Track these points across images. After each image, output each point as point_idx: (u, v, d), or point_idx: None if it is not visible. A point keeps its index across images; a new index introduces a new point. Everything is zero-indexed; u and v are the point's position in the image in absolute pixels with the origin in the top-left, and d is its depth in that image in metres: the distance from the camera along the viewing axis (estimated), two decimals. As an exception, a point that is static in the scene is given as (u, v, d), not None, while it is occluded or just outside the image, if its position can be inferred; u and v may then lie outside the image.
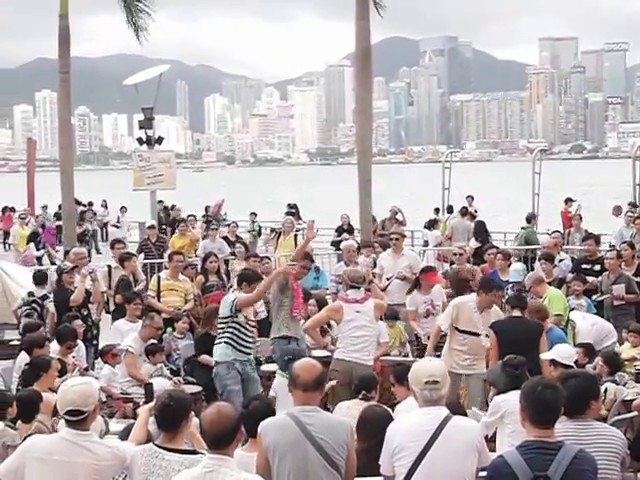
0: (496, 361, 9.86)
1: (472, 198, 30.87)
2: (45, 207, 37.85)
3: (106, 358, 12.49)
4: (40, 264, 20.62)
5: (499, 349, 10.35)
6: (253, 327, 11.86)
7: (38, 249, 28.72)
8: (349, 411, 8.59)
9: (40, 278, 15.56)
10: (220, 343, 11.54)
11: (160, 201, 33.81)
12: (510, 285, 14.43)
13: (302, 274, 13.11)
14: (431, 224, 28.07)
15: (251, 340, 11.68)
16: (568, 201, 28.37)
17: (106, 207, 40.08)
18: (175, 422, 6.39)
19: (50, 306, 14.71)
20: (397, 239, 15.77)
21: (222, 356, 11.48)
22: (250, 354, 11.68)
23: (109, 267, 16.44)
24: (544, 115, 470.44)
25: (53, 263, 24.53)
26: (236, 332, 11.45)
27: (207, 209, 34.76)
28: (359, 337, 11.41)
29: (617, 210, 26.33)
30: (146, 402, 7.86)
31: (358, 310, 11.51)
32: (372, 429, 7.22)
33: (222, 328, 11.60)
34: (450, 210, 31.09)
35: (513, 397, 7.84)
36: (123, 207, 33.52)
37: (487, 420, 8.19)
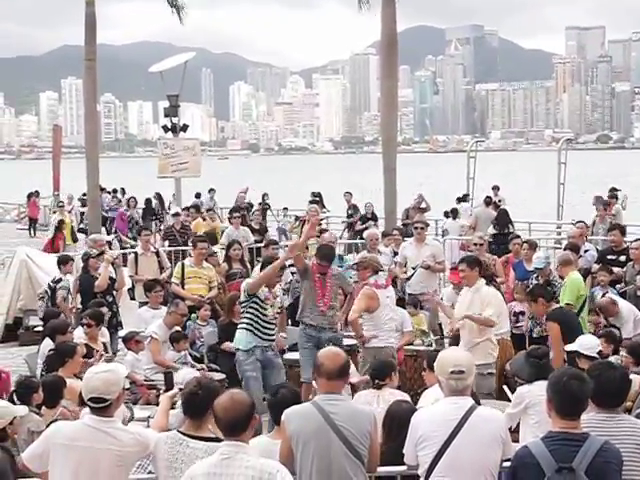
0: (560, 350, 9.81)
1: (498, 188, 30.76)
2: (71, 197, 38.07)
3: (129, 345, 12.54)
4: (110, 248, 20.54)
5: (564, 338, 10.21)
6: (276, 313, 11.84)
7: (109, 233, 28.72)
8: (366, 398, 8.61)
9: (62, 260, 15.64)
10: (241, 329, 11.58)
11: (157, 193, 34.03)
12: (534, 275, 14.34)
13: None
14: (453, 213, 27.92)
15: (271, 324, 11.62)
16: (613, 191, 27.05)
17: (124, 194, 39.88)
18: (202, 410, 6.42)
19: (61, 291, 14.80)
20: (422, 228, 15.75)
21: (242, 343, 11.48)
22: (271, 339, 11.64)
23: (136, 254, 16.53)
24: (570, 105, 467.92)
25: (123, 248, 24.41)
26: (254, 316, 11.44)
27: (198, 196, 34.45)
28: (391, 322, 11.53)
29: (598, 200, 26.22)
30: (166, 390, 7.86)
31: (388, 295, 11.60)
32: (398, 427, 7.19)
33: (242, 313, 11.68)
34: (464, 199, 30.95)
35: (537, 388, 7.83)
36: (174, 194, 33.27)
37: (511, 412, 8.15)
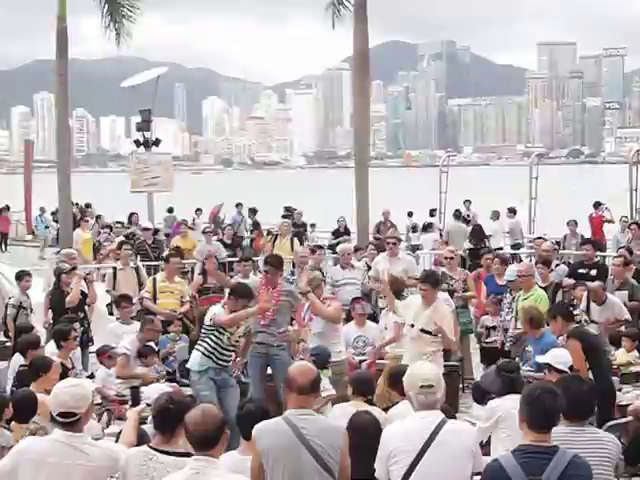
0: (585, 368, 9.80)
1: (469, 202, 30.86)
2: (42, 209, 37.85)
3: (102, 358, 12.48)
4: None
5: (587, 356, 10.19)
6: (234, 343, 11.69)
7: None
8: (343, 411, 8.53)
9: (17, 276, 15.50)
10: (198, 350, 11.42)
11: (76, 203, 33.92)
12: (508, 289, 14.38)
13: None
14: (425, 227, 28.01)
15: (229, 350, 11.46)
16: (598, 205, 27.23)
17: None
18: (173, 424, 6.40)
19: (11, 310, 14.69)
20: (394, 243, 15.76)
21: (196, 365, 11.33)
22: (227, 364, 11.50)
23: (114, 269, 16.45)
24: (542, 120, 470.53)
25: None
26: (213, 343, 11.29)
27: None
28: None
29: (495, 214, 26.51)
30: (133, 405, 7.84)
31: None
32: (355, 433, 7.19)
33: (203, 336, 11.47)
34: (431, 214, 31.12)
35: (508, 402, 7.86)
36: (199, 209, 33.01)
37: (482, 426, 8.17)
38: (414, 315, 11.68)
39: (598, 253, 16.56)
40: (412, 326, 11.58)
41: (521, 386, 8.18)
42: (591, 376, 9.87)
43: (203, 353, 11.31)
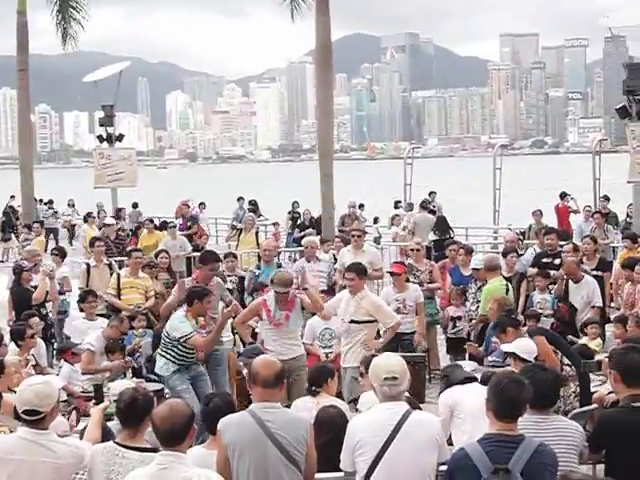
0: (556, 359, 9.87)
1: (435, 194, 30.92)
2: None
3: (65, 356, 12.42)
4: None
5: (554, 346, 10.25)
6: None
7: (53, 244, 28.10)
8: (305, 405, 8.58)
9: None
10: (163, 357, 11.25)
11: (10, 205, 33.79)
12: (473, 279, 14.46)
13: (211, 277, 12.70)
14: (391, 220, 28.03)
15: (193, 352, 11.24)
16: (564, 195, 27.33)
17: (73, 206, 39.53)
18: (138, 419, 6.40)
19: None
20: (358, 236, 15.74)
21: (165, 370, 11.19)
22: (193, 361, 11.33)
23: (87, 265, 16.35)
24: (505, 111, 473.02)
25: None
26: (182, 355, 11.15)
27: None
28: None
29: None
30: (97, 403, 7.79)
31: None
32: (324, 427, 7.21)
33: (167, 344, 11.22)
34: (411, 208, 31.15)
35: (458, 388, 7.93)
36: (202, 203, 32.76)
37: (441, 419, 8.19)
38: (344, 308, 11.82)
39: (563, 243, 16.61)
40: (343, 320, 11.79)
41: (485, 378, 8.26)
42: (568, 362, 10.01)
43: (172, 361, 11.17)
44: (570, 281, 13.92)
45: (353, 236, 15.90)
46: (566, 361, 10.13)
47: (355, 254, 15.32)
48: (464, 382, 8.17)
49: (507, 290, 13.48)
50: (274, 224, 30.14)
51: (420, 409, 7.35)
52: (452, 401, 7.90)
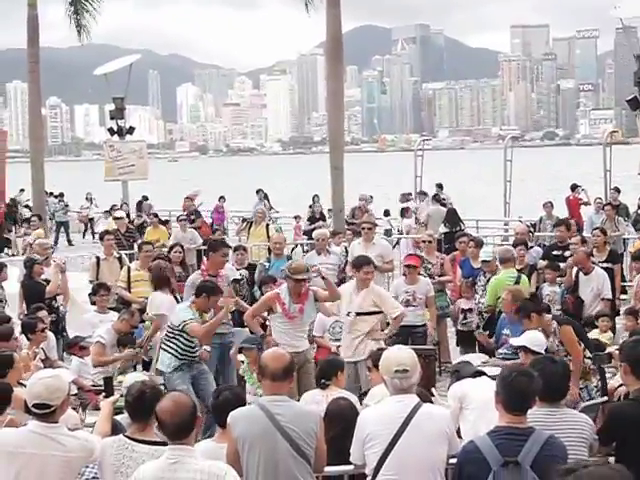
0: (581, 352, 9.84)
1: (441, 187, 30.63)
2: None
3: (73, 350, 12.47)
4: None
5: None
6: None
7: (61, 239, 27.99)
8: (314, 398, 8.61)
9: None
10: (166, 352, 11.29)
11: (12, 198, 33.73)
12: (482, 271, 14.43)
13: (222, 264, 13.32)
14: (402, 212, 27.93)
15: (195, 345, 11.33)
16: (575, 187, 27.31)
17: (91, 200, 39.12)
18: (147, 412, 6.38)
19: None
20: (369, 228, 15.71)
21: (167, 366, 11.23)
22: (195, 356, 11.39)
23: (97, 258, 16.37)
24: (516, 102, 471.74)
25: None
26: (183, 346, 11.19)
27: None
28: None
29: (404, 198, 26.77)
30: (106, 395, 7.80)
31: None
32: (334, 420, 7.22)
33: (169, 336, 11.31)
34: (407, 199, 31.08)
35: (468, 381, 7.93)
36: (222, 197, 32.66)
37: (450, 411, 8.20)
38: (348, 301, 11.84)
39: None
40: (348, 314, 11.79)
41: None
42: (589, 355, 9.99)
43: (174, 355, 11.20)
44: (580, 273, 13.88)
45: (363, 229, 15.89)
46: (588, 354, 10.09)
47: (366, 247, 15.32)
48: (474, 376, 8.18)
49: (517, 281, 13.46)
50: (295, 217, 30.11)
51: (432, 402, 7.38)
52: (461, 393, 7.92)
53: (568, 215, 25.45)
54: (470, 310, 14.42)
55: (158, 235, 22.17)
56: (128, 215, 25.14)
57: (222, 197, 32.63)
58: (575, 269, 14.11)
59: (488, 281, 13.93)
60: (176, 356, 11.19)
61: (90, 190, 40.07)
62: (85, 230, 37.02)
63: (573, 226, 17.57)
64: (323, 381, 8.88)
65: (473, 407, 7.64)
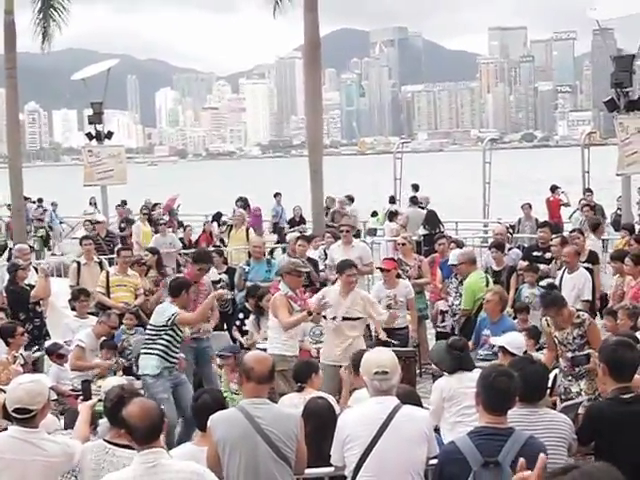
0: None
1: (416, 188, 30.44)
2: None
3: (52, 358, 12.44)
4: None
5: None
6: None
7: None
8: (291, 401, 8.60)
9: None
10: (151, 354, 11.11)
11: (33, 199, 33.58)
12: (453, 274, 14.46)
13: (200, 276, 13.01)
14: (391, 215, 27.72)
15: (179, 349, 11.32)
16: (555, 188, 27.23)
17: (95, 205, 36.73)
18: None
19: None
20: (347, 231, 15.74)
21: (151, 369, 11.06)
22: (177, 360, 11.34)
23: (78, 263, 16.33)
24: (495, 104, 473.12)
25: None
26: (169, 345, 11.08)
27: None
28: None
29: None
30: (84, 399, 7.77)
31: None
32: (310, 417, 7.23)
33: (153, 337, 11.16)
34: (392, 201, 31.07)
35: (454, 380, 7.97)
36: (240, 199, 32.24)
37: (432, 408, 8.23)
38: (334, 306, 11.73)
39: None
40: (334, 319, 11.70)
41: (470, 364, 8.31)
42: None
43: (158, 355, 11.07)
44: (565, 271, 13.87)
45: (342, 231, 15.93)
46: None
47: (345, 249, 15.35)
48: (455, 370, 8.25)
49: (487, 283, 13.54)
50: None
51: (420, 402, 7.41)
52: (446, 394, 7.99)
53: (548, 216, 25.55)
54: (447, 312, 14.50)
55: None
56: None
57: (239, 199, 31.79)
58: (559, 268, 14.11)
59: (460, 283, 13.99)
60: (162, 356, 11.06)
61: (69, 195, 39.97)
62: None
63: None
64: (299, 384, 8.89)
65: (457, 409, 7.68)
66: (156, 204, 30.60)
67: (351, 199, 31.03)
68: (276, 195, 31.35)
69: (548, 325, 9.99)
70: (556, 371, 9.92)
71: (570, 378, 9.79)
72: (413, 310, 14.01)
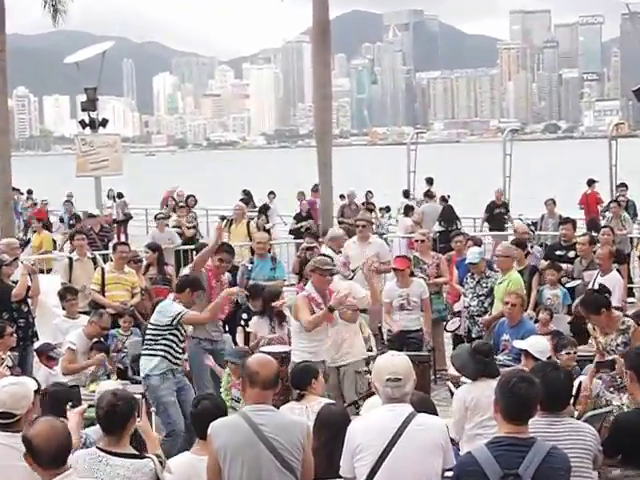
0: None
1: (431, 182, 30.31)
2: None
3: (42, 359, 12.43)
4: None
5: None
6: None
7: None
8: (292, 412, 8.37)
9: None
10: (154, 355, 11.07)
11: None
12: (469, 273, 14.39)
13: (222, 269, 12.97)
14: (406, 210, 27.67)
15: (182, 351, 11.35)
16: (592, 182, 27.07)
17: (114, 199, 36.38)
18: (121, 423, 6.37)
19: None
20: (364, 226, 15.63)
21: (154, 369, 11.02)
22: (181, 364, 11.38)
23: (70, 259, 16.33)
24: (516, 93, 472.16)
25: None
26: (173, 345, 11.07)
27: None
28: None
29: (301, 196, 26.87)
30: (73, 406, 7.71)
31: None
32: (325, 426, 7.21)
33: (156, 338, 11.11)
34: (406, 195, 31.06)
35: (477, 388, 7.92)
36: (272, 192, 32.18)
37: (456, 419, 8.18)
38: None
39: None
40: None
41: (495, 370, 8.25)
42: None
43: (162, 356, 11.04)
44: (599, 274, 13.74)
45: (358, 226, 15.83)
46: None
47: (361, 246, 15.28)
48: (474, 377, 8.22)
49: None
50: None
51: (435, 410, 7.37)
52: (469, 404, 7.96)
53: (585, 212, 25.51)
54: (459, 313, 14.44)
55: (40, 241, 22.20)
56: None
57: (272, 192, 31.89)
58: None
59: (478, 282, 13.92)
60: (166, 357, 11.02)
61: (61, 186, 39.91)
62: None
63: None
64: (298, 391, 8.82)
65: (481, 419, 7.63)
66: (190, 196, 30.28)
67: (368, 193, 31.09)
68: (270, 194, 31.38)
69: (594, 329, 9.96)
70: (581, 378, 9.87)
71: (612, 390, 9.61)
72: (428, 311, 13.98)
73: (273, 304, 11.76)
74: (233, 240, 20.64)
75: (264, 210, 28.68)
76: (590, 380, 8.85)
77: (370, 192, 31.51)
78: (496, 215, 25.81)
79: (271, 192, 31.89)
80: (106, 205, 35.87)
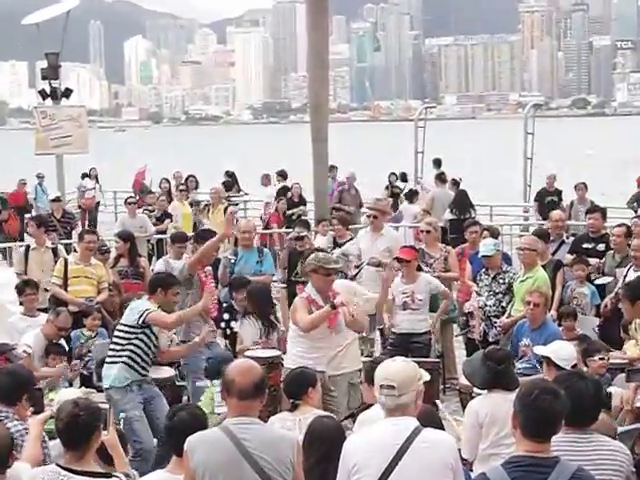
0: None
1: (439, 164, 30.14)
2: None
3: (-1, 361, 12.42)
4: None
5: None
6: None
7: None
8: (284, 424, 8.49)
9: None
10: (116, 363, 11.01)
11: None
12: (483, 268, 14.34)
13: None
14: (410, 196, 27.64)
15: (151, 357, 11.22)
16: None
17: (96, 179, 37.22)
18: (84, 437, 6.37)
19: None
20: (375, 217, 15.46)
21: (116, 381, 10.96)
22: (147, 374, 11.25)
23: (27, 247, 16.33)
24: (539, 63, 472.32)
25: None
26: (139, 352, 11.01)
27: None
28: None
29: (266, 179, 26.83)
30: (35, 412, 7.72)
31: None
32: (317, 442, 7.21)
33: (121, 342, 11.06)
34: (404, 178, 31.04)
35: (490, 401, 7.92)
36: (282, 173, 31.91)
37: (467, 436, 8.17)
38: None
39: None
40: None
41: (511, 381, 8.23)
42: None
43: (126, 364, 10.96)
44: (631, 269, 13.71)
45: (369, 216, 15.74)
46: None
47: (372, 238, 15.19)
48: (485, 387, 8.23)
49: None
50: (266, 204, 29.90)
51: (441, 425, 7.36)
52: (483, 417, 7.97)
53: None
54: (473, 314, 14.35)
55: None
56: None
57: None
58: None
59: (494, 279, 13.87)
60: (125, 363, 10.94)
61: (18, 165, 40.00)
62: (90, 221, 33.66)
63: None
64: (292, 401, 8.80)
65: (496, 438, 7.63)
66: (190, 176, 30.21)
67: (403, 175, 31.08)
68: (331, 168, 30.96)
69: (636, 330, 9.95)
70: (611, 389, 9.85)
71: None
72: (438, 311, 13.97)
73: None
74: (212, 226, 20.65)
75: (284, 192, 28.27)
76: (634, 393, 8.84)
77: (394, 174, 31.25)
78: (548, 204, 25.72)
79: (281, 172, 31.11)
80: (87, 187, 35.92)
